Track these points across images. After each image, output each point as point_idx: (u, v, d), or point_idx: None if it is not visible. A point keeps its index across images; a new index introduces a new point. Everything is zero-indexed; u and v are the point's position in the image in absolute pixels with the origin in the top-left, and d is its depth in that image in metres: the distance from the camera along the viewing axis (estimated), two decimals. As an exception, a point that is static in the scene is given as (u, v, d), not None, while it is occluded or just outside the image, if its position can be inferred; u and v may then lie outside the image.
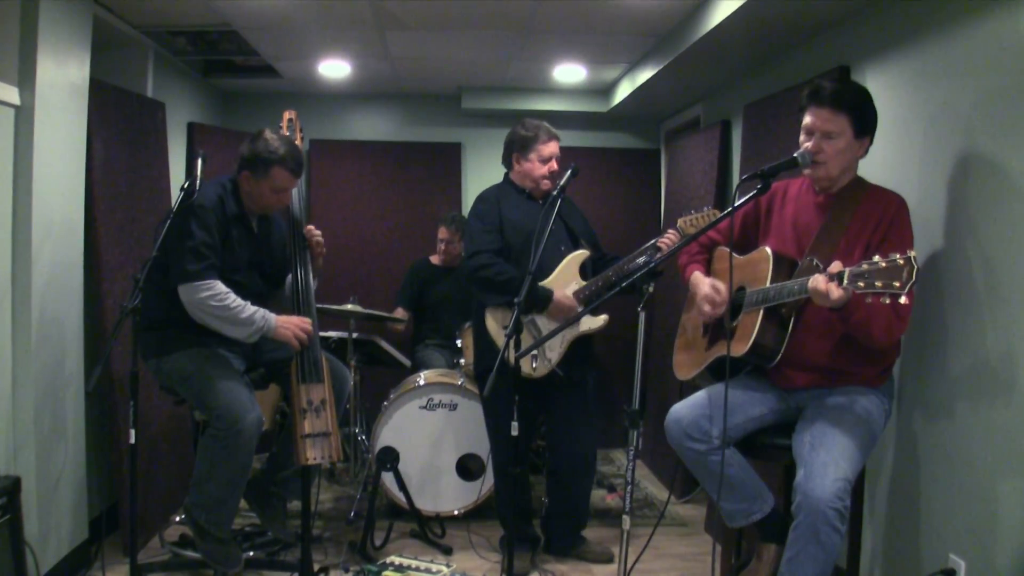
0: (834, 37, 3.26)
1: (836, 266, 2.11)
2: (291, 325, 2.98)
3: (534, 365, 3.29)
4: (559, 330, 2.73)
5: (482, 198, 3.55)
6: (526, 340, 3.20)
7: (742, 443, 2.57)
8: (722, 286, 2.59)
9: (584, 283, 3.33)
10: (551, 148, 3.43)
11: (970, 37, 2.40)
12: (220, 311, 2.89)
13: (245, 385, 3.00)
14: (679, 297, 3.14)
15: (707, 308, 2.59)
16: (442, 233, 4.91)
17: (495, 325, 3.36)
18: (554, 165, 3.44)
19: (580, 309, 3.27)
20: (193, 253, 2.86)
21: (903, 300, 1.94)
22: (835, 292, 2.09)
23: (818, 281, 2.14)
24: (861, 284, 2.00)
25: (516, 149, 3.48)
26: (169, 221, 2.78)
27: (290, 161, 2.99)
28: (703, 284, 2.62)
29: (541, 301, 3.28)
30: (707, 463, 2.49)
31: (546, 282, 3.33)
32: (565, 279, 3.35)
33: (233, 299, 2.92)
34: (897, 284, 1.93)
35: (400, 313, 4.85)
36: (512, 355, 2.78)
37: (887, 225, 2.35)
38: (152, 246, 2.77)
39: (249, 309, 2.94)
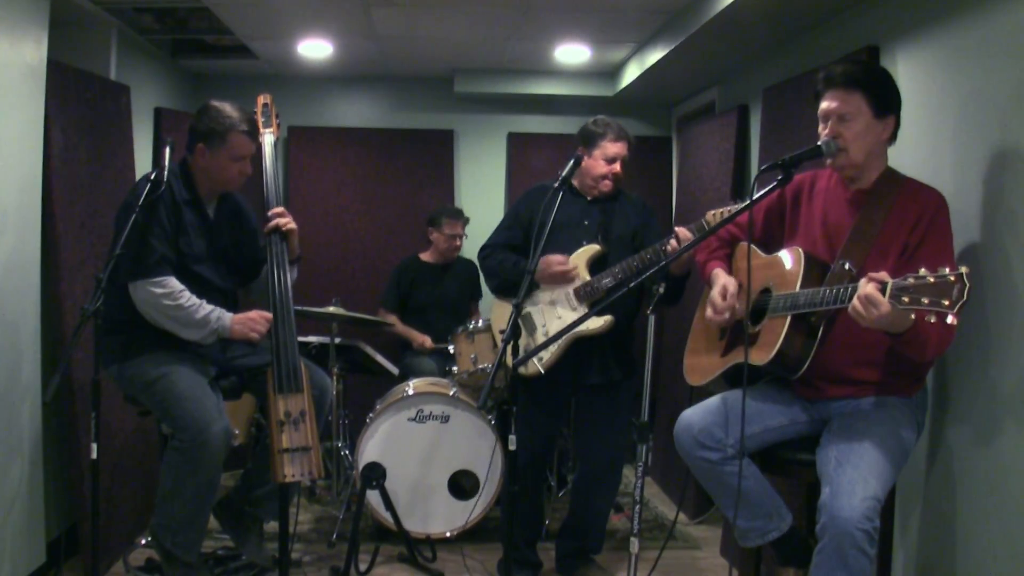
0: (862, 15, 3.26)
1: (882, 275, 2.08)
2: (245, 319, 3.00)
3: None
4: (563, 333, 2.72)
5: (526, 192, 3.69)
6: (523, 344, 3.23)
7: (759, 457, 2.57)
8: (732, 287, 2.58)
9: (588, 279, 3.34)
10: (617, 148, 3.43)
11: (1009, 17, 2.40)
12: (174, 311, 2.92)
13: (213, 393, 3.01)
14: (692, 298, 3.14)
15: (708, 312, 2.60)
16: (455, 228, 4.93)
17: (497, 324, 3.41)
18: (616, 168, 3.44)
19: (578, 306, 3.32)
20: (143, 246, 2.87)
21: (950, 320, 1.92)
22: (885, 306, 2.05)
23: (869, 290, 2.08)
24: (906, 299, 1.98)
25: (582, 143, 3.51)
26: (135, 216, 2.78)
27: (245, 124, 3.08)
28: (715, 285, 2.63)
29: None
30: (720, 474, 2.49)
31: None
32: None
33: (187, 298, 2.94)
34: (946, 302, 1.91)
35: (388, 317, 4.86)
36: (510, 360, 2.78)
37: (926, 226, 2.34)
38: (115, 242, 2.77)
39: (204, 309, 2.97)
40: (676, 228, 3.07)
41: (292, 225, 3.18)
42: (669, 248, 3.06)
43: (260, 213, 3.23)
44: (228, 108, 3.07)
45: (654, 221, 3.56)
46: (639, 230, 3.49)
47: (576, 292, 3.34)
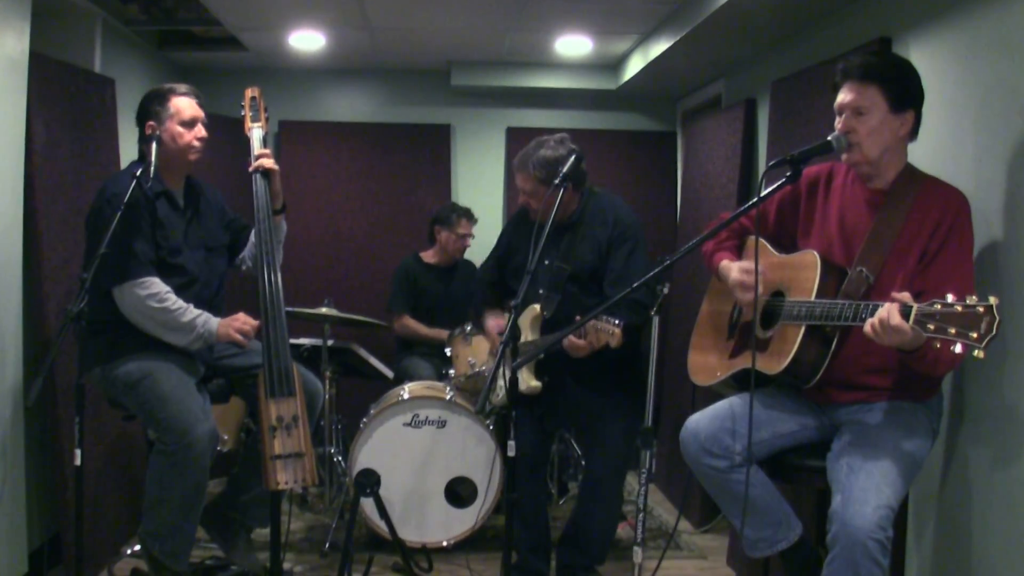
0: (874, 4, 3.26)
1: (905, 297, 2.06)
2: (230, 322, 3.05)
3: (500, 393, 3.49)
4: (544, 347, 2.73)
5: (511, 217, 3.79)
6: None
7: (768, 463, 2.56)
8: (750, 265, 2.56)
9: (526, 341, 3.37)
10: (517, 182, 3.47)
11: (1028, 5, 2.40)
12: (160, 314, 2.94)
13: (199, 395, 3.02)
14: (696, 298, 3.12)
15: (740, 294, 2.57)
16: (468, 228, 4.91)
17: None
18: (526, 199, 3.45)
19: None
20: (123, 248, 2.88)
21: (978, 354, 1.89)
22: (907, 332, 2.02)
23: (892, 313, 2.05)
24: (931, 327, 1.96)
25: None
26: (120, 214, 2.78)
27: (181, 87, 3.15)
28: (732, 270, 2.61)
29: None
30: (727, 483, 2.49)
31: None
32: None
33: (173, 300, 2.96)
34: (975, 335, 1.89)
35: (409, 321, 4.85)
36: (508, 365, 2.77)
37: (945, 232, 2.32)
38: (96, 243, 2.76)
39: (190, 313, 2.99)
40: (571, 339, 3.05)
41: (270, 164, 3.18)
42: (567, 343, 3.06)
43: (239, 209, 3.23)
44: (164, 84, 3.18)
45: (618, 248, 3.41)
46: (600, 263, 3.42)
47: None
